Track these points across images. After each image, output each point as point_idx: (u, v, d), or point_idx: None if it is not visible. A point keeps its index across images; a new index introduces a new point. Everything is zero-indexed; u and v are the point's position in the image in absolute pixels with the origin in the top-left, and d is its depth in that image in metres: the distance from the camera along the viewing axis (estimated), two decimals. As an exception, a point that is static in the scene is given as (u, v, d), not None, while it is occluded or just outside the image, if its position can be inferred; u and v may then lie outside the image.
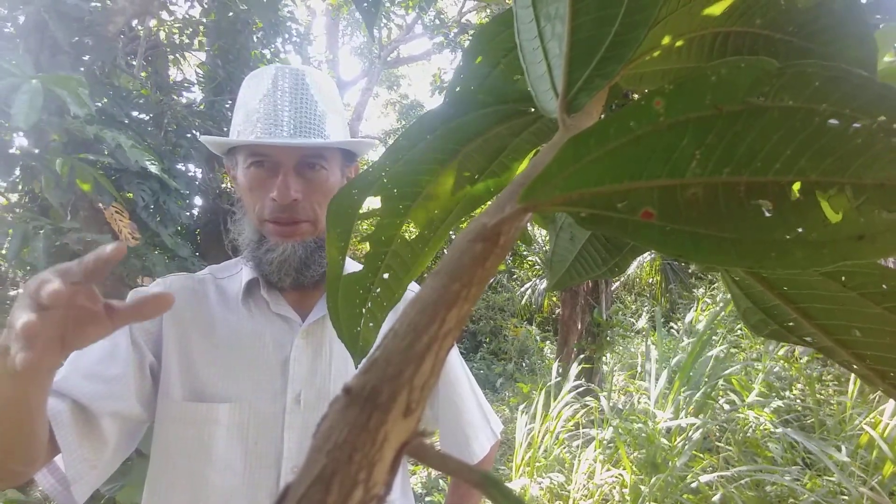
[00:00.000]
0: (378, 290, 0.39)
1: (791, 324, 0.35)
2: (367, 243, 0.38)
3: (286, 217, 1.00)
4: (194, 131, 3.76)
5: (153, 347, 0.98)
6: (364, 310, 0.39)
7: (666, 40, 0.34)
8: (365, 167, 0.37)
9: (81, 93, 1.89)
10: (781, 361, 4.36)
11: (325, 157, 1.02)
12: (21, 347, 0.56)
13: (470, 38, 0.42)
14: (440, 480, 3.78)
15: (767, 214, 0.23)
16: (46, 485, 0.85)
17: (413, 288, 1.21)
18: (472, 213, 0.39)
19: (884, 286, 0.29)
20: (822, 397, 3.59)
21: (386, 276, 0.39)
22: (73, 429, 0.85)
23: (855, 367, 0.33)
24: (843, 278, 0.30)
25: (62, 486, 0.86)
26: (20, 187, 2.86)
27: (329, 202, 0.38)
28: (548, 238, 0.47)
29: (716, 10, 0.31)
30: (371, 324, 0.40)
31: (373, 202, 0.39)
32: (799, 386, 3.96)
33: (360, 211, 0.37)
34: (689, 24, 0.33)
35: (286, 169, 0.99)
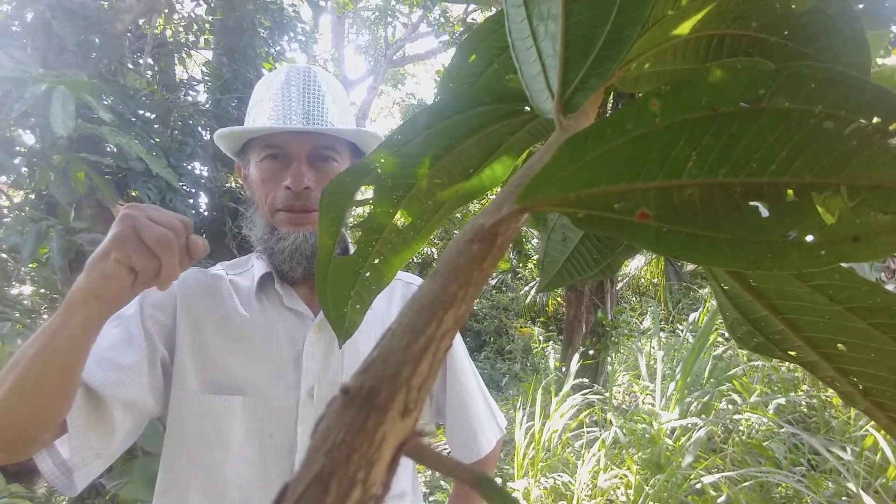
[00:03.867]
0: (367, 273, 0.39)
1: (777, 336, 0.35)
2: (359, 229, 0.39)
3: (299, 205, 1.01)
4: (200, 130, 3.78)
5: (166, 340, 0.98)
6: (352, 292, 0.40)
7: (661, 42, 0.34)
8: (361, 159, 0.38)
9: (94, 96, 1.92)
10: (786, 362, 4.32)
11: (336, 150, 1.05)
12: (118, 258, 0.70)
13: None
14: (442, 481, 3.78)
15: (764, 216, 0.23)
16: (46, 469, 0.85)
17: (402, 277, 1.23)
18: (465, 206, 0.40)
19: (870, 302, 0.29)
20: (826, 398, 3.58)
21: (376, 261, 0.39)
22: (83, 413, 0.85)
23: (837, 384, 0.33)
24: (831, 292, 0.30)
25: (62, 472, 0.85)
26: (28, 184, 2.88)
27: (322, 190, 0.38)
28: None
29: (710, 13, 0.31)
30: (358, 306, 0.41)
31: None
32: (805, 387, 3.95)
33: (354, 199, 0.38)
34: (685, 26, 0.33)
35: (298, 159, 1.01)
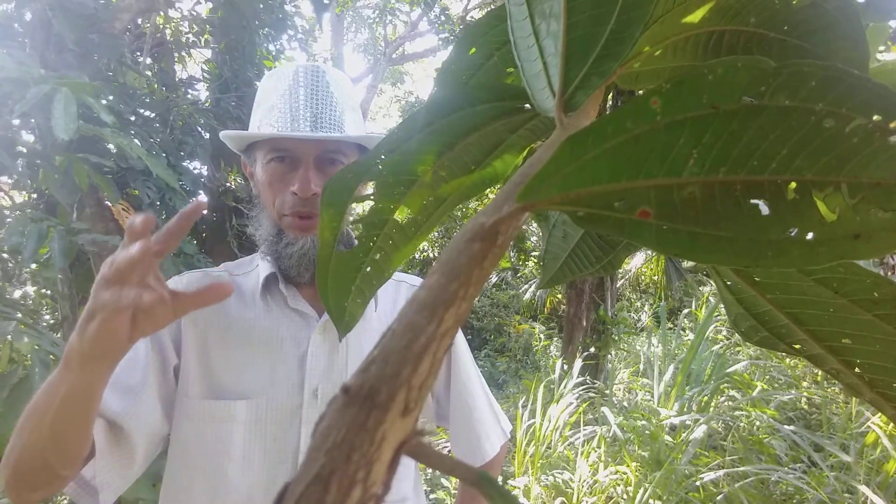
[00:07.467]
0: (368, 268, 0.40)
1: (782, 330, 0.35)
2: (360, 225, 0.39)
3: (306, 211, 1.01)
4: (200, 129, 3.78)
5: (177, 349, 0.99)
6: (353, 286, 0.40)
7: (662, 39, 0.34)
8: (362, 156, 0.38)
9: (96, 97, 1.92)
10: (787, 358, 4.33)
11: (343, 153, 1.04)
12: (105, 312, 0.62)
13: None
14: (443, 479, 3.78)
15: (764, 213, 0.23)
16: (70, 489, 0.86)
17: (407, 279, 1.22)
18: (465, 202, 0.40)
19: (875, 294, 0.29)
20: (827, 395, 3.58)
21: (377, 256, 0.39)
22: (105, 439, 0.87)
23: (843, 376, 0.33)
24: (835, 285, 0.30)
25: (87, 491, 0.86)
26: (30, 185, 2.87)
27: (324, 185, 0.38)
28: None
29: (710, 9, 0.31)
30: (359, 300, 0.41)
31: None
32: (805, 384, 3.95)
33: (355, 194, 0.38)
34: (685, 23, 0.33)
35: (306, 163, 1.01)
